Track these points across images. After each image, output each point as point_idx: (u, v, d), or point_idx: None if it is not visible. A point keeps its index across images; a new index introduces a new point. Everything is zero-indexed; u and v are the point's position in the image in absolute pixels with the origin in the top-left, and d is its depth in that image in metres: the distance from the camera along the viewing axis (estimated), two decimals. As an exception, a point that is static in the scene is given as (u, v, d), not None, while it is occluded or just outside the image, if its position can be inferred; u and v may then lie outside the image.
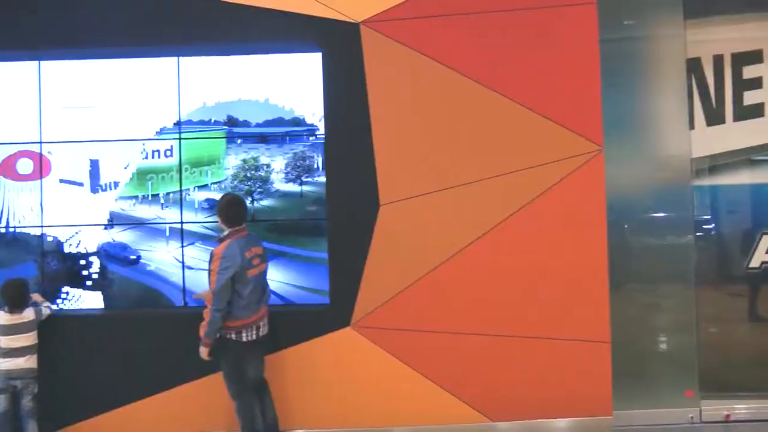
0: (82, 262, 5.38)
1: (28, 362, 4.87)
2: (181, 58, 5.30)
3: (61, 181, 5.38)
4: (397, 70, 5.04)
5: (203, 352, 4.54)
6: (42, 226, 5.37)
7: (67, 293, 5.37)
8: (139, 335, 5.15)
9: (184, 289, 5.30)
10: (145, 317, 5.23)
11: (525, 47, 5.07)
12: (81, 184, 5.37)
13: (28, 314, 4.91)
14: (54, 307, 5.19)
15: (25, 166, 5.40)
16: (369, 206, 5.00)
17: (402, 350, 5.00)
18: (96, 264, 5.37)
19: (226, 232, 4.63)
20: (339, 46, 5.06)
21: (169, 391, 5.06)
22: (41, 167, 5.37)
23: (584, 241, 5.04)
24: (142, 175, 5.36)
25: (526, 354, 5.02)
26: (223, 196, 4.86)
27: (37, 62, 5.38)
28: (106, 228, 5.37)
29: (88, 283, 5.37)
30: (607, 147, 5.03)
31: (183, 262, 5.30)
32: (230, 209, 4.66)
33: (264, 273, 4.74)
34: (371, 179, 5.00)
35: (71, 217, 5.36)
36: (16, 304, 4.91)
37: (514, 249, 5.03)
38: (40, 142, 5.38)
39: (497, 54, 5.07)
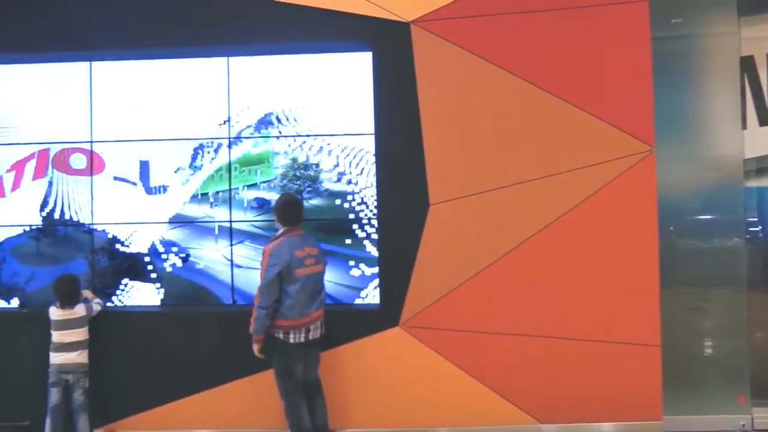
0: (133, 259, 5.44)
1: (80, 357, 4.93)
2: (231, 58, 5.33)
3: (115, 178, 5.45)
4: (447, 69, 5.01)
5: (255, 348, 4.56)
6: (92, 224, 5.44)
7: (119, 289, 5.43)
8: (188, 332, 5.19)
9: (232, 288, 5.33)
10: (194, 315, 5.27)
11: (576, 46, 5.01)
12: (135, 183, 5.43)
13: (79, 310, 4.97)
14: (98, 303, 5.20)
15: (78, 161, 5.48)
16: (419, 206, 4.98)
17: (451, 350, 4.98)
18: (146, 262, 5.43)
19: (280, 231, 4.65)
20: (389, 46, 5.04)
21: (218, 388, 5.09)
22: (92, 165, 5.45)
23: (635, 243, 4.97)
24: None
25: (574, 356, 4.96)
26: (280, 196, 4.88)
27: (88, 63, 5.45)
28: (156, 225, 5.43)
29: (139, 280, 5.42)
30: (658, 147, 4.96)
31: (232, 261, 5.33)
32: (286, 208, 4.67)
33: (318, 275, 4.69)
34: (421, 179, 4.98)
35: (122, 215, 5.42)
36: (67, 300, 4.96)
37: (564, 250, 4.97)
38: (91, 141, 5.46)
39: (548, 53, 5.01)
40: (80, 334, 4.95)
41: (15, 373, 5.21)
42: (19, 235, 5.53)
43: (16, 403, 5.21)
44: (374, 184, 5.16)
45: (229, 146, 5.35)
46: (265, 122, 5.34)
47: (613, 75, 5.00)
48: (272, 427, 4.99)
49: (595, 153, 4.97)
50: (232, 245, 5.33)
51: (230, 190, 5.34)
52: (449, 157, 5.00)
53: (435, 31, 5.01)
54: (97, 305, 5.11)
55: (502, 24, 5.01)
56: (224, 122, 5.36)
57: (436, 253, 4.98)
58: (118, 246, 5.44)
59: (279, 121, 5.34)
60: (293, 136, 5.32)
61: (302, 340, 4.56)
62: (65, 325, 4.92)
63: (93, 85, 5.45)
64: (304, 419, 4.62)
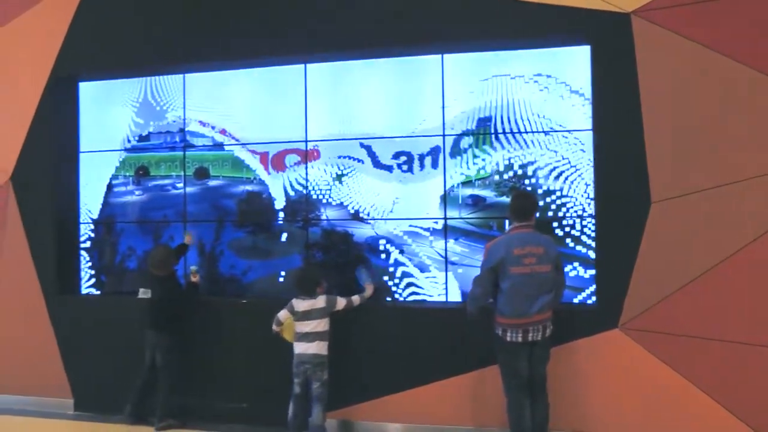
0: (344, 255, 5.65)
1: (315, 348, 4.98)
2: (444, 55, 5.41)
3: (338, 157, 5.71)
4: (670, 61, 4.76)
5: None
6: (304, 221, 5.72)
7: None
8: (404, 327, 5.27)
9: (446, 285, 5.41)
10: (410, 310, 5.37)
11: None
12: (361, 161, 5.65)
13: (319, 302, 5.06)
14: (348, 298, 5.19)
15: (292, 159, 5.84)
16: (640, 204, 4.79)
17: (673, 356, 4.74)
18: (357, 257, 5.63)
19: (509, 228, 4.68)
20: (608, 39, 4.87)
21: (433, 384, 5.16)
22: (307, 163, 5.73)
23: None
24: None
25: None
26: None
27: (303, 65, 5.72)
28: (366, 222, 5.63)
29: (350, 275, 5.61)
30: None
31: (446, 258, 5.40)
32: (513, 202, 4.68)
33: (541, 275, 4.52)
34: (642, 176, 4.78)
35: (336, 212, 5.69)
36: (302, 291, 5.07)
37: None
38: (306, 141, 5.73)
39: (782, 41, 4.66)
40: (317, 325, 5.00)
41: (234, 359, 5.58)
42: (235, 230, 5.95)
43: (235, 386, 5.57)
44: (592, 182, 5.07)
45: (443, 144, 5.42)
46: (480, 120, 5.37)
47: None
48: (491, 425, 5.02)
49: (831, 147, 4.57)
50: (446, 242, 5.41)
51: (445, 187, 5.41)
52: (673, 154, 4.75)
53: (657, 20, 4.77)
54: (343, 300, 5.09)
55: (730, 10, 4.68)
56: (438, 120, 5.43)
57: (659, 252, 4.76)
58: (329, 241, 5.67)
59: (494, 118, 5.34)
60: (508, 132, 5.32)
61: (519, 339, 4.51)
62: (303, 316, 5.02)
63: (308, 85, 5.74)
64: (524, 418, 4.58)
